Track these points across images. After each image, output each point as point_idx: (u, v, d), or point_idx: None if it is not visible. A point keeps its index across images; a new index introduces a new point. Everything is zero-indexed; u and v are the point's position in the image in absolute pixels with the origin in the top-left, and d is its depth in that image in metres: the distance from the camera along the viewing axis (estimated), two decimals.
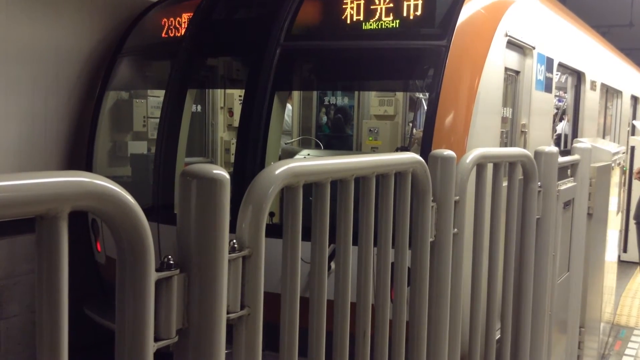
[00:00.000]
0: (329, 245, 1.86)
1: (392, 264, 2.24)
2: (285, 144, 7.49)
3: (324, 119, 8.67)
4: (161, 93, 5.65)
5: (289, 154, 6.71)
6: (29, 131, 5.63)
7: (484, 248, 2.80)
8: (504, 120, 5.05)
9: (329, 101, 8.66)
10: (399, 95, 7.39)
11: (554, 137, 8.01)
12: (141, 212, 1.24)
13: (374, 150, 7.01)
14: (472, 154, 2.65)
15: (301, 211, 1.71)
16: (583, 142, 4.82)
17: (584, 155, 4.50)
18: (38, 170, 1.15)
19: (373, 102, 7.62)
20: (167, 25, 5.64)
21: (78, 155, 6.01)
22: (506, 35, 4.69)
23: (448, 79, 4.32)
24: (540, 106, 5.66)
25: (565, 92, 8.53)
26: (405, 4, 4.58)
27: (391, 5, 4.62)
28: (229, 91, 7.31)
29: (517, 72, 5.25)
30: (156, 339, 1.32)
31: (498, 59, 4.63)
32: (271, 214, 4.55)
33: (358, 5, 4.70)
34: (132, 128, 6.29)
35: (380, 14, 4.64)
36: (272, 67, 4.83)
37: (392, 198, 2.15)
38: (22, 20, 5.48)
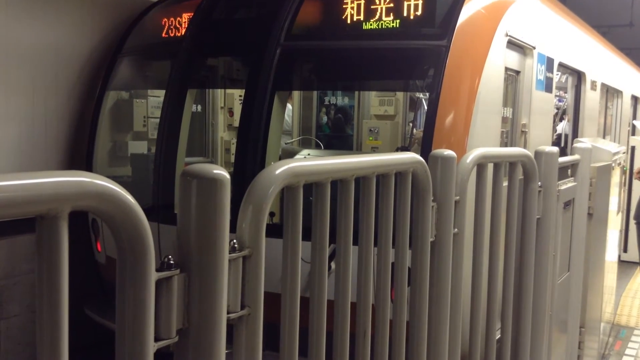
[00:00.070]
0: (329, 245, 1.86)
1: (393, 263, 2.24)
2: (286, 143, 7.49)
3: (324, 118, 8.68)
4: (161, 93, 5.65)
5: (289, 154, 6.71)
6: (29, 131, 5.63)
7: (484, 248, 2.80)
8: (504, 120, 5.04)
9: (329, 101, 8.66)
10: (399, 95, 7.39)
11: (554, 137, 8.01)
12: (141, 212, 1.24)
13: (374, 150, 7.01)
14: (473, 154, 2.65)
15: (301, 211, 1.71)
16: (583, 142, 4.82)
17: (584, 155, 4.50)
18: (38, 170, 1.15)
19: (373, 102, 7.62)
20: (167, 25, 5.64)
21: (78, 155, 6.01)
22: (506, 35, 4.69)
23: (448, 79, 4.32)
24: (541, 106, 5.66)
25: (565, 92, 8.54)
26: (406, 3, 4.58)
27: (391, 5, 4.62)
28: (229, 91, 7.32)
29: (518, 72, 5.25)
30: (156, 339, 1.32)
31: (498, 59, 4.63)
32: (271, 214, 4.55)
33: (358, 5, 4.70)
34: (132, 128, 6.29)
35: (381, 13, 4.64)
36: (272, 67, 4.83)
37: (393, 198, 2.15)
38: (22, 20, 5.48)
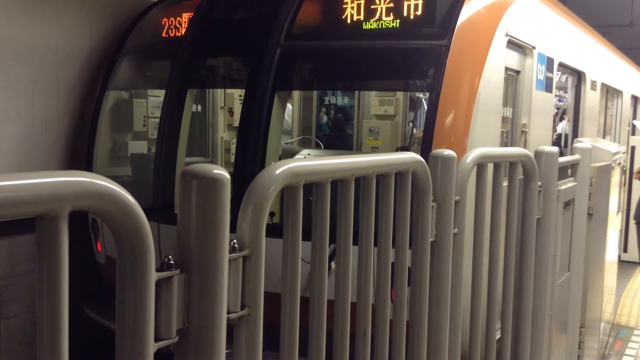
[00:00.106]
0: (329, 245, 1.86)
1: (393, 263, 2.24)
2: (286, 143, 7.49)
3: (324, 118, 8.67)
4: (161, 93, 5.65)
5: (289, 154, 6.71)
6: (29, 131, 5.63)
7: (484, 248, 2.80)
8: (504, 120, 5.05)
9: (329, 101, 8.66)
10: (399, 95, 7.39)
11: (554, 137, 8.01)
12: (141, 212, 1.24)
13: (374, 150, 7.01)
14: (473, 154, 2.65)
15: (301, 211, 1.71)
16: (583, 142, 4.82)
17: (584, 155, 4.50)
18: (38, 170, 1.15)
19: (373, 101, 7.62)
20: (167, 25, 5.64)
21: (78, 155, 6.01)
22: (506, 35, 4.69)
23: (448, 79, 4.32)
24: (541, 106, 5.66)
25: (565, 92, 8.54)
26: (406, 3, 4.58)
27: (391, 5, 4.61)
28: (229, 91, 7.31)
29: (518, 72, 5.25)
30: (156, 339, 1.32)
31: (498, 59, 4.63)
32: (271, 214, 4.55)
33: (358, 5, 4.70)
34: (132, 128, 6.29)
35: (381, 13, 4.64)
36: (272, 67, 4.83)
37: (393, 198, 2.15)
38: (22, 20, 5.48)
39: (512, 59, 5.06)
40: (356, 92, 8.04)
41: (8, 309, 5.44)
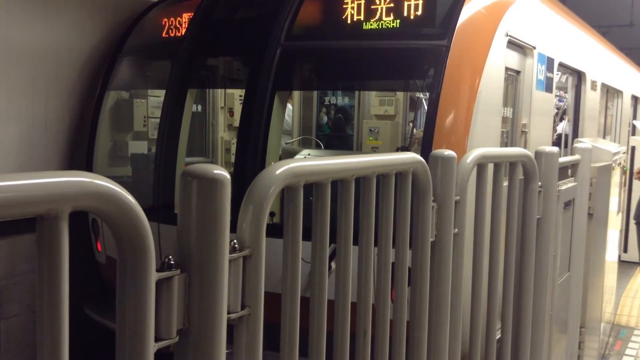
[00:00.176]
0: (330, 245, 1.86)
1: (393, 263, 2.24)
2: (286, 143, 7.49)
3: (325, 118, 8.67)
4: (162, 93, 5.65)
5: (289, 154, 6.71)
6: (30, 131, 5.63)
7: (485, 248, 2.80)
8: (504, 120, 5.05)
9: (329, 101, 8.66)
10: (400, 95, 7.39)
11: (554, 137, 8.01)
12: (142, 212, 1.24)
13: (374, 150, 7.01)
14: (473, 154, 2.65)
15: (302, 211, 1.71)
16: (583, 142, 4.82)
17: (584, 155, 4.49)
18: (38, 170, 1.15)
19: (373, 101, 7.62)
20: (167, 25, 5.64)
21: (78, 155, 6.01)
22: (507, 35, 4.69)
23: (448, 79, 4.32)
24: (541, 106, 5.66)
25: (565, 92, 8.53)
26: (406, 3, 4.58)
27: (392, 5, 4.61)
28: (229, 91, 7.31)
29: (518, 72, 5.25)
30: (157, 339, 1.32)
31: (499, 59, 4.63)
32: (272, 214, 4.55)
33: (358, 5, 4.70)
34: (132, 128, 6.29)
35: (381, 13, 4.64)
36: (272, 67, 4.83)
37: (393, 198, 2.15)
38: (22, 20, 5.48)
39: (513, 59, 5.06)
40: (356, 92, 8.04)
41: (8, 309, 5.44)
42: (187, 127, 5.46)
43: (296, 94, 7.97)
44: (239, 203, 1.54)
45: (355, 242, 1.98)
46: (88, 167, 5.94)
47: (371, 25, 4.67)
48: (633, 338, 7.10)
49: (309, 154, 6.52)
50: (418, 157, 2.26)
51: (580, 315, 4.80)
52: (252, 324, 1.54)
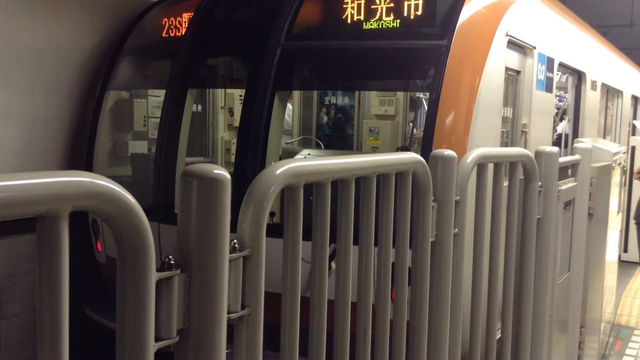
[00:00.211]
0: (330, 245, 1.86)
1: (393, 263, 2.24)
2: (286, 143, 7.49)
3: (325, 118, 8.67)
4: (162, 93, 5.65)
5: (289, 154, 6.71)
6: (30, 131, 5.63)
7: (485, 248, 2.80)
8: (504, 120, 5.04)
9: (329, 101, 8.66)
10: (400, 95, 7.39)
11: (555, 137, 8.01)
12: (142, 211, 1.24)
13: (374, 150, 7.01)
14: (473, 154, 2.65)
15: (302, 211, 1.71)
16: (584, 142, 4.82)
17: (584, 155, 4.49)
18: (39, 170, 1.15)
19: (374, 101, 7.62)
20: (167, 24, 5.64)
21: (78, 155, 6.01)
22: (507, 35, 4.69)
23: (449, 79, 4.32)
24: (541, 106, 5.66)
25: (565, 92, 8.53)
26: (406, 3, 4.58)
27: (392, 5, 4.61)
28: (229, 91, 7.31)
29: (518, 72, 5.24)
30: (157, 339, 1.32)
31: (499, 59, 4.63)
32: (272, 214, 4.55)
33: (358, 5, 4.70)
34: (132, 128, 6.29)
35: (381, 13, 4.63)
36: (272, 67, 4.83)
37: (393, 198, 2.15)
38: (22, 20, 5.48)
39: (513, 59, 5.06)
40: (356, 92, 8.04)
41: (8, 308, 5.44)
42: (187, 127, 5.46)
43: (296, 94, 7.97)
44: (239, 203, 1.54)
45: (356, 242, 1.98)
46: (88, 167, 5.94)
47: (371, 25, 4.67)
48: (633, 338, 7.10)
49: (309, 154, 6.52)
50: (418, 157, 2.26)
51: (580, 315, 4.80)
52: (252, 323, 1.54)
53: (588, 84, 7.38)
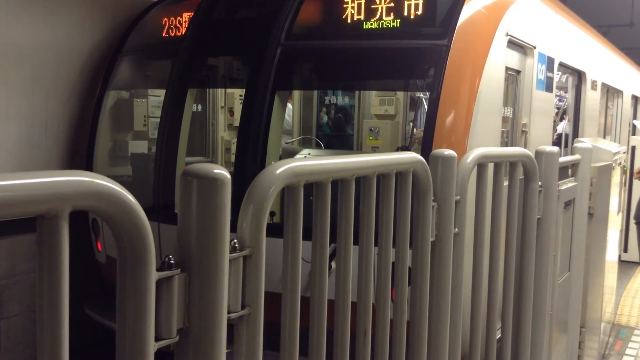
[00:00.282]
0: (330, 245, 1.86)
1: (393, 263, 2.24)
2: (286, 143, 7.49)
3: (325, 118, 8.67)
4: (162, 92, 5.65)
5: (289, 154, 6.71)
6: (30, 131, 5.63)
7: (485, 248, 2.80)
8: (504, 119, 5.04)
9: (329, 101, 8.66)
10: (400, 94, 7.39)
11: (555, 136, 8.01)
12: (142, 211, 1.24)
13: (374, 149, 7.01)
14: (473, 154, 2.65)
15: (302, 211, 1.71)
16: (584, 142, 4.82)
17: (584, 155, 4.49)
18: (39, 170, 1.15)
19: (374, 101, 7.62)
20: (167, 24, 5.64)
21: (78, 155, 6.01)
22: (507, 34, 4.68)
23: (449, 79, 4.31)
24: (541, 106, 5.66)
25: (566, 92, 8.54)
26: (406, 3, 4.58)
27: (392, 4, 4.61)
28: (229, 90, 7.31)
29: (518, 72, 5.24)
30: (157, 339, 1.32)
31: (499, 59, 4.63)
32: (272, 214, 4.55)
33: (359, 5, 4.70)
34: (132, 127, 6.29)
35: (381, 13, 4.63)
36: (272, 67, 4.83)
37: (393, 198, 2.15)
38: (22, 20, 5.48)
39: (513, 58, 5.06)
40: (356, 92, 8.04)
41: (8, 308, 5.44)
42: (187, 127, 5.46)
43: (296, 94, 7.97)
44: (239, 203, 1.54)
45: (356, 242, 1.98)
46: (88, 166, 5.94)
47: (371, 24, 4.67)
48: (633, 338, 7.10)
49: (309, 154, 6.52)
50: (418, 156, 2.26)
51: (580, 315, 4.80)
52: (252, 323, 1.54)
53: (588, 84, 7.38)
